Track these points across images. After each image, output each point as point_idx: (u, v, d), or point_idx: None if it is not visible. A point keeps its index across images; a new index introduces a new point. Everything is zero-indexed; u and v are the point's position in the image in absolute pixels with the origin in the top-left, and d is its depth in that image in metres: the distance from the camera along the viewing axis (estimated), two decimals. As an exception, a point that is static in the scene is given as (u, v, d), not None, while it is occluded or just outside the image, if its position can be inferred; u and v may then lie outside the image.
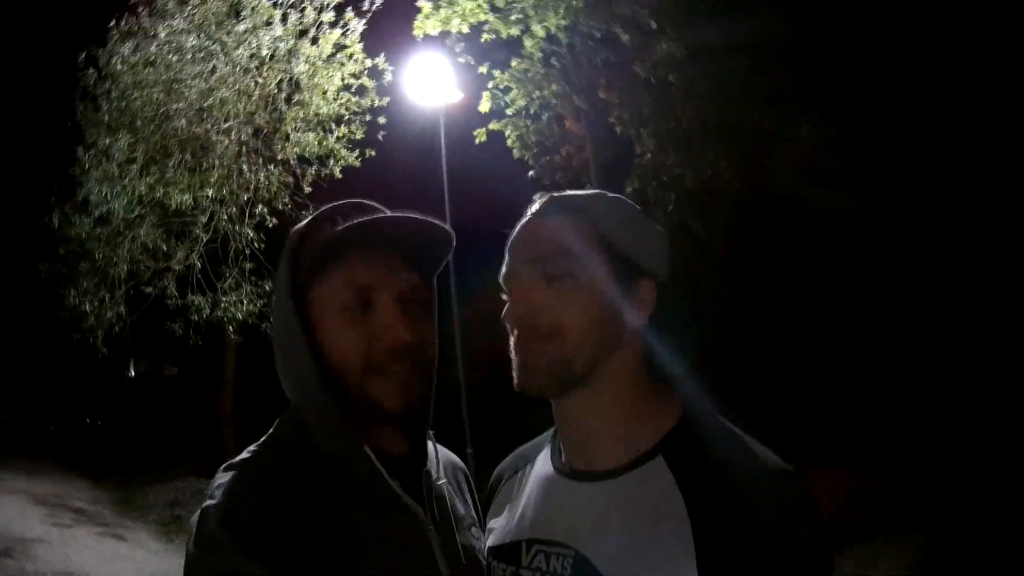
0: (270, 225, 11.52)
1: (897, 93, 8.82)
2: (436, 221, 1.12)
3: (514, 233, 1.13)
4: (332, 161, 11.71)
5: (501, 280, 1.12)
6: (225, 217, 11.42)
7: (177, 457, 15.97)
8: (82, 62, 11.30)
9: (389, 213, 1.12)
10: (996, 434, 7.69)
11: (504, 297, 1.12)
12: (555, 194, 1.14)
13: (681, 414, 1.07)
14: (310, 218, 1.15)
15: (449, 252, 1.17)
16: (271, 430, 1.12)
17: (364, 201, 1.16)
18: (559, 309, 1.04)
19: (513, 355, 1.09)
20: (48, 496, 11.92)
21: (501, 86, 9.71)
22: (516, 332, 1.08)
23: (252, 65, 11.54)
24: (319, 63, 11.54)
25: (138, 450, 19.53)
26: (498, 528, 1.18)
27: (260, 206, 11.47)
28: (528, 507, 1.13)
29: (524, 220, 1.13)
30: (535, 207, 1.13)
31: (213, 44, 11.20)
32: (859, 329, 9.89)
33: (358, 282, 1.07)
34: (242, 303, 11.40)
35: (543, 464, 1.18)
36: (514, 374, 1.08)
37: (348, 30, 11.69)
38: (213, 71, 11.33)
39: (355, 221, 1.06)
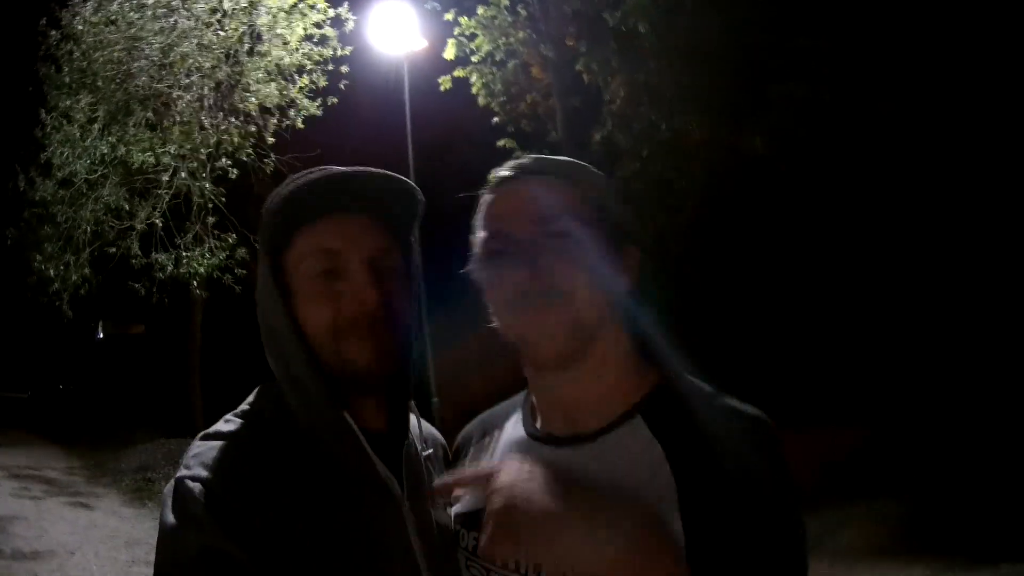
0: (232, 176, 11.38)
1: (872, 60, 8.75)
2: (397, 176, 1.09)
3: (498, 196, 1.05)
4: (294, 112, 11.55)
5: (485, 245, 1.04)
6: (186, 173, 11.25)
7: (146, 418, 15.97)
8: (44, 24, 11.08)
9: (353, 168, 1.09)
10: (964, 405, 7.78)
11: (483, 260, 1.04)
12: (536, 156, 1.09)
13: (659, 377, 1.05)
14: (281, 185, 1.10)
15: (419, 211, 1.13)
16: (249, 399, 1.10)
17: (331, 167, 1.11)
18: (569, 273, 0.98)
19: (518, 326, 1.01)
20: (22, 469, 11.93)
21: (467, 33, 9.54)
22: (521, 300, 0.99)
23: (214, 19, 11.29)
24: (280, 14, 11.30)
25: (108, 413, 19.53)
26: (466, 495, 1.13)
27: (223, 159, 11.30)
28: None
29: (508, 182, 1.05)
30: (516, 168, 1.05)
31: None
32: (833, 293, 9.96)
33: (325, 246, 1.05)
34: (205, 257, 11.31)
35: (513, 429, 1.14)
36: (521, 342, 1.01)
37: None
38: (174, 26, 11.07)
39: (310, 177, 1.04)
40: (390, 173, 1.09)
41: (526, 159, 1.07)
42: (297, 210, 1.05)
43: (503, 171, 1.06)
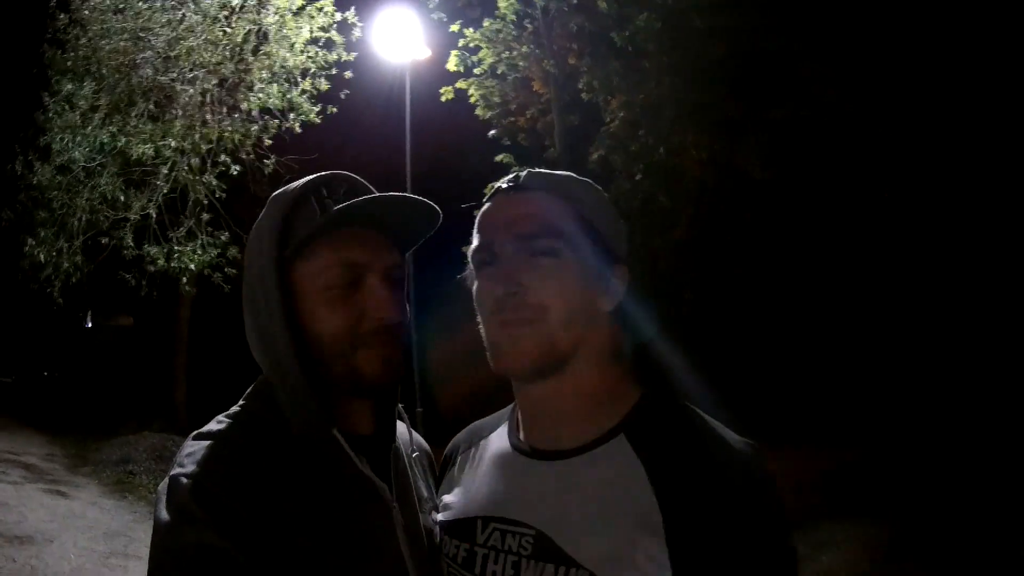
0: (234, 173, 11.35)
1: (871, 88, 8.85)
2: (428, 202, 1.10)
3: (490, 207, 1.08)
4: (293, 115, 11.53)
5: (474, 255, 1.07)
6: (186, 168, 11.23)
7: (130, 410, 15.82)
8: (53, 6, 11.00)
9: (376, 193, 1.11)
10: (949, 426, 7.80)
11: (473, 272, 1.08)
12: (532, 170, 1.10)
13: (642, 395, 1.06)
14: (294, 189, 1.11)
15: (432, 230, 1.15)
16: (242, 400, 1.11)
17: (347, 174, 1.14)
18: (545, 290, 1.00)
19: (492, 336, 1.04)
20: (2, 453, 11.77)
21: (471, 45, 9.59)
22: (497, 312, 1.02)
23: (222, 15, 11.30)
24: (288, 15, 11.31)
25: (92, 403, 19.31)
26: (451, 504, 1.15)
27: (223, 155, 11.27)
28: (483, 484, 1.11)
29: (502, 194, 1.08)
30: (513, 181, 1.08)
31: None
32: (821, 313, 10.00)
33: (349, 260, 1.05)
34: (197, 253, 11.25)
35: (499, 441, 1.15)
36: (492, 356, 1.04)
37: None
38: (182, 20, 11.07)
39: (351, 203, 1.05)
40: (421, 200, 1.10)
41: (524, 172, 1.09)
42: (325, 224, 1.06)
43: (500, 183, 1.09)
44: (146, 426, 13.31)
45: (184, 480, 0.94)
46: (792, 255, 9.87)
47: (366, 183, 1.15)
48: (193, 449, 0.99)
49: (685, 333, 9.74)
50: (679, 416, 1.03)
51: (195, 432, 1.04)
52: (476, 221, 1.08)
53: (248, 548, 0.91)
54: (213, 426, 1.05)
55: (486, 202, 1.09)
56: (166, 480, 0.96)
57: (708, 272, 10.19)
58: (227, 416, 1.07)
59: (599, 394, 1.05)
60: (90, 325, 25.76)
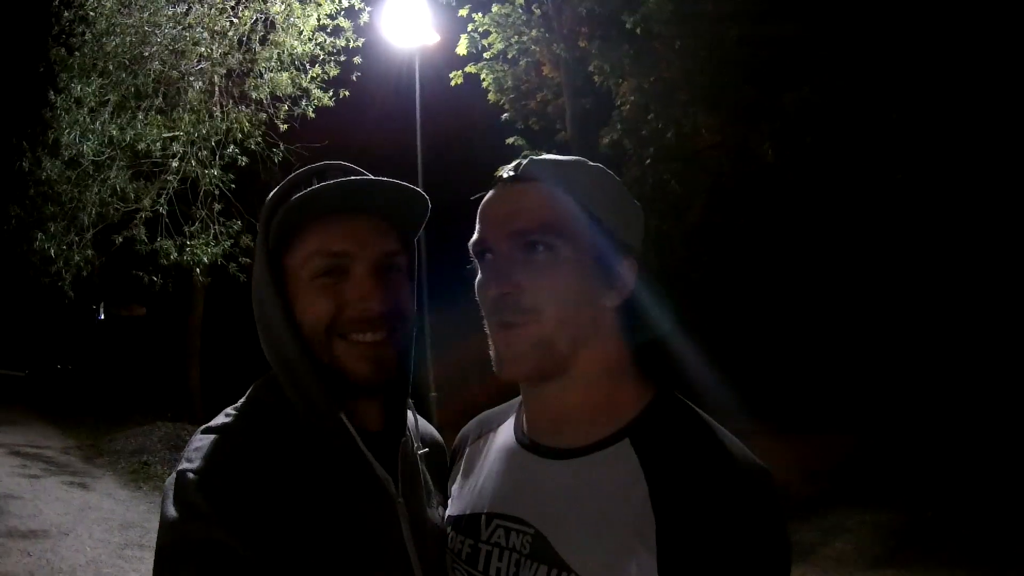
0: (242, 164, 11.34)
1: (889, 70, 8.75)
2: (408, 185, 1.07)
3: (490, 199, 1.03)
4: (305, 101, 11.50)
5: (472, 249, 1.03)
6: (195, 160, 11.22)
7: (144, 401, 15.91)
8: (57, 5, 11.01)
9: (365, 176, 1.09)
10: (960, 413, 7.76)
11: (476, 265, 1.04)
12: (533, 157, 1.04)
13: (652, 398, 1.02)
14: (284, 181, 1.11)
15: (426, 215, 1.13)
16: (248, 393, 1.10)
17: (343, 163, 1.12)
18: (540, 289, 0.96)
19: (492, 340, 1.01)
20: (19, 447, 11.87)
21: (480, 29, 9.53)
22: (494, 314, 0.99)
23: (228, 5, 11.26)
24: (295, 2, 11.26)
25: (107, 394, 19.45)
26: (457, 498, 1.15)
27: (231, 146, 11.26)
28: (490, 478, 1.09)
29: (501, 185, 1.02)
30: (512, 171, 1.02)
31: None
32: (832, 300, 9.95)
33: (331, 249, 1.04)
34: (209, 245, 11.27)
35: (506, 434, 1.13)
36: (494, 362, 1.01)
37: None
38: (188, 12, 11.04)
39: (314, 187, 1.04)
40: (401, 183, 1.08)
41: (526, 161, 1.03)
42: (305, 209, 1.04)
43: (502, 172, 1.03)
44: (160, 416, 13.39)
45: (190, 475, 0.94)
46: (806, 240, 9.79)
47: (363, 171, 1.11)
48: (200, 443, 0.99)
49: (697, 319, 9.73)
50: (689, 425, 0.98)
51: (203, 426, 1.04)
52: (478, 210, 1.04)
53: (254, 543, 0.91)
54: (220, 419, 1.05)
55: (488, 192, 1.04)
56: (173, 475, 0.96)
57: (721, 257, 10.12)
58: (234, 409, 1.07)
59: (604, 392, 1.01)
60: (103, 317, 25.96)
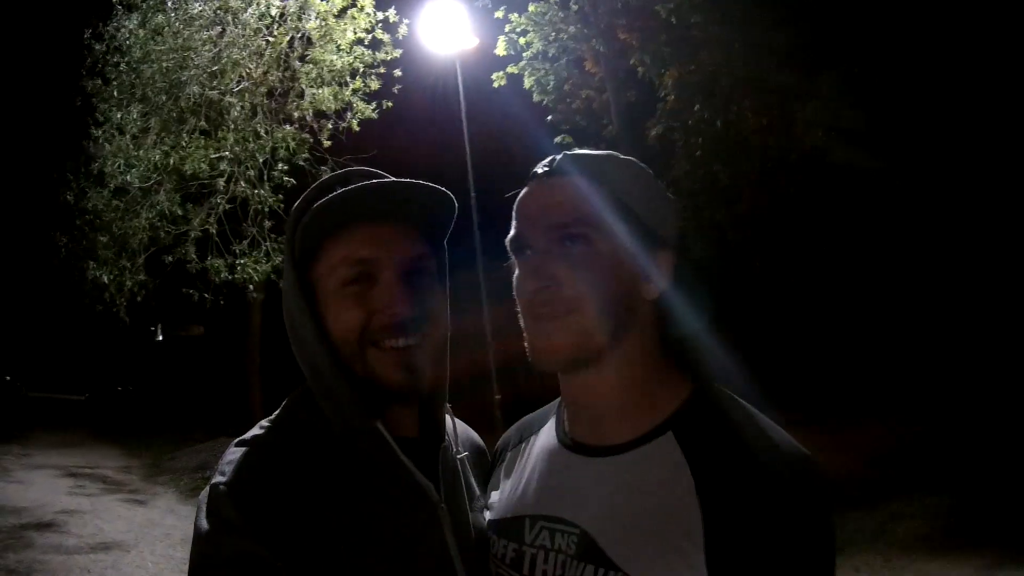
0: (288, 185, 11.46)
1: (920, 50, 8.51)
2: (431, 185, 1.05)
3: (525, 195, 1.04)
4: (349, 114, 11.59)
5: (510, 245, 1.04)
6: (244, 181, 11.35)
7: (205, 418, 16.16)
8: (88, 37, 11.26)
9: (387, 179, 1.07)
10: (1016, 400, 7.52)
11: (513, 263, 1.05)
12: (567, 152, 1.05)
13: (692, 390, 1.01)
14: (309, 190, 1.10)
15: (453, 214, 1.11)
16: (282, 406, 1.10)
17: (367, 168, 1.12)
18: (578, 282, 0.97)
19: (527, 328, 1.02)
20: (80, 467, 12.21)
21: (518, 30, 9.48)
22: (531, 306, 1.00)
23: (262, 24, 11.40)
24: (331, 19, 11.36)
25: (167, 414, 19.86)
26: (500, 501, 1.14)
27: (280, 164, 11.40)
28: (532, 481, 1.09)
29: (535, 181, 1.04)
30: (545, 167, 1.03)
31: (221, 9, 11.08)
32: (887, 287, 9.74)
33: (358, 255, 1.03)
34: (260, 263, 11.40)
35: (548, 436, 1.13)
36: (529, 351, 1.02)
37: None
38: (222, 34, 11.20)
39: (335, 193, 1.02)
40: (423, 183, 1.05)
41: (562, 156, 1.04)
42: (328, 218, 1.02)
43: (538, 167, 1.04)
44: (223, 432, 13.56)
45: (222, 488, 0.94)
46: (855, 227, 9.57)
47: (387, 175, 1.09)
48: (233, 456, 0.99)
49: (757, 308, 9.61)
50: (731, 416, 0.97)
51: (237, 439, 1.03)
52: (514, 207, 1.05)
53: (287, 555, 0.90)
54: (254, 432, 1.04)
55: (525, 187, 1.05)
56: (207, 488, 0.96)
57: (776, 244, 9.95)
58: (268, 421, 1.07)
59: (644, 387, 1.01)
60: (161, 338, 26.55)
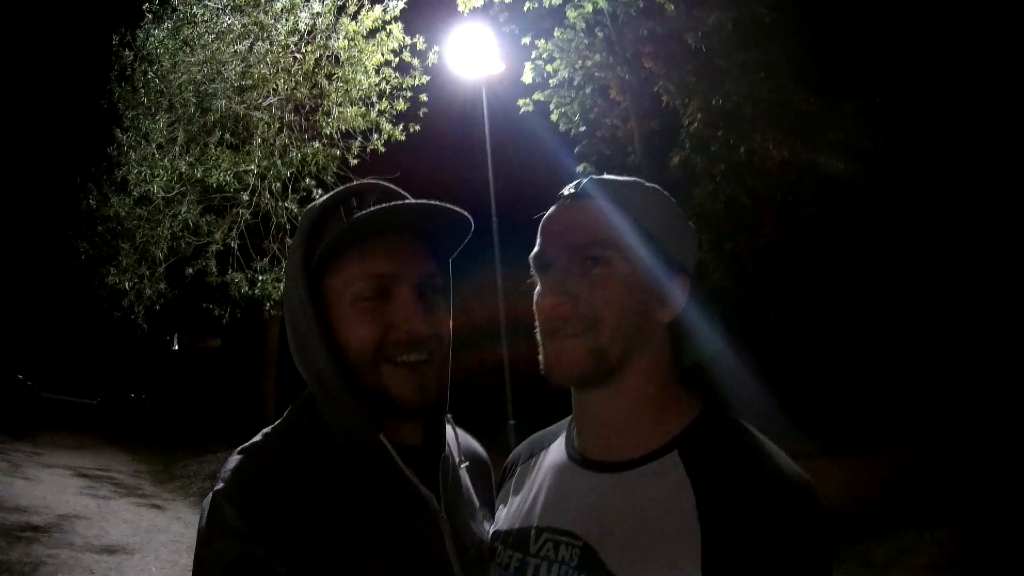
0: (316, 197, 11.45)
1: (945, 76, 8.53)
2: (453, 207, 1.07)
3: (550, 215, 1.08)
4: (376, 135, 11.68)
5: (533, 262, 1.08)
6: (268, 194, 11.43)
7: (219, 429, 16.13)
8: (116, 44, 11.37)
9: (406, 200, 1.08)
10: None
11: (535, 279, 1.08)
12: (593, 177, 1.09)
13: (701, 411, 1.04)
14: (324, 200, 1.11)
15: (467, 236, 1.13)
16: (284, 415, 1.11)
17: (380, 183, 1.13)
18: (596, 300, 1.01)
19: (544, 343, 1.05)
20: (89, 470, 12.19)
21: (544, 56, 9.57)
22: (548, 322, 1.04)
23: (291, 41, 11.53)
24: (360, 39, 11.50)
25: (180, 423, 19.85)
26: (508, 513, 1.16)
27: (307, 179, 11.47)
28: (540, 494, 1.11)
29: (561, 203, 1.08)
30: (571, 190, 1.08)
31: (251, 24, 11.21)
32: (904, 318, 9.71)
33: (376, 271, 1.04)
34: (279, 280, 11.39)
35: (557, 451, 1.15)
36: (543, 362, 1.05)
37: (388, 6, 11.72)
38: (251, 49, 11.33)
39: (368, 211, 1.03)
40: (449, 207, 1.07)
41: (588, 180, 1.08)
42: (355, 232, 1.03)
43: (564, 190, 1.08)
44: (236, 443, 13.57)
45: (224, 494, 0.94)
46: (879, 254, 9.56)
47: (400, 191, 1.11)
48: (236, 463, 0.99)
49: (767, 338, 9.59)
50: (736, 439, 0.99)
51: (240, 447, 1.04)
52: (539, 226, 1.09)
53: (289, 559, 0.91)
54: (257, 440, 1.05)
55: (550, 209, 1.09)
56: (210, 495, 0.96)
57: (794, 274, 9.94)
58: (270, 429, 1.07)
59: (653, 406, 1.04)
60: (177, 348, 26.64)
